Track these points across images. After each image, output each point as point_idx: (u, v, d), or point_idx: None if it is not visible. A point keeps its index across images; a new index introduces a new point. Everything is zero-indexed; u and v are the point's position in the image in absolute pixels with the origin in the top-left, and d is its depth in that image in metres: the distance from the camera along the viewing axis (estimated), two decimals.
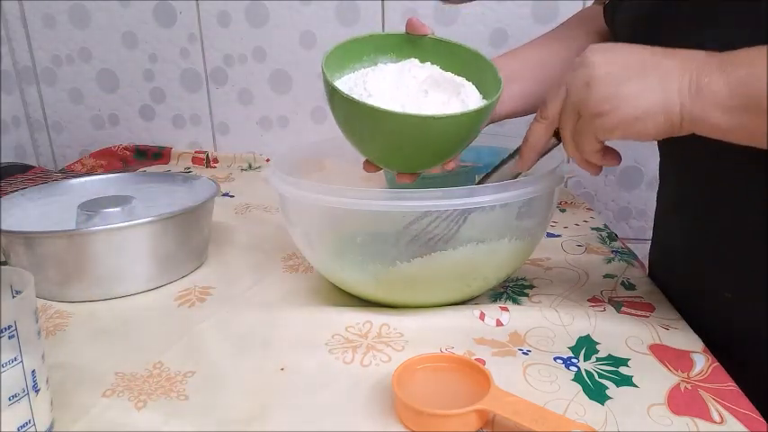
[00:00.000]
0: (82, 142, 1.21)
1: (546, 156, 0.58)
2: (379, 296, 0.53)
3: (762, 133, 0.36)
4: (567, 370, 0.43)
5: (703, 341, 0.47)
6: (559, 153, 0.56)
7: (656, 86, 0.38)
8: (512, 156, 0.50)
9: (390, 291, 0.52)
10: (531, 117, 0.48)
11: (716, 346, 0.46)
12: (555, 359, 0.45)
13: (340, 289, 0.57)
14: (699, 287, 0.53)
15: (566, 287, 0.57)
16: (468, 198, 0.46)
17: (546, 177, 0.50)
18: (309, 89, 1.11)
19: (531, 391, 0.41)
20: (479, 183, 0.52)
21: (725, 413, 0.38)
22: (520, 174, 0.50)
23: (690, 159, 0.53)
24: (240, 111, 1.14)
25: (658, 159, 0.59)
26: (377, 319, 0.51)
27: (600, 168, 0.45)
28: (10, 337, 0.33)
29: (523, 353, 0.46)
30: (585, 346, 0.47)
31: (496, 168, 0.51)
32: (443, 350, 0.46)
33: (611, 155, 0.44)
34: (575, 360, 0.45)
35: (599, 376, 0.42)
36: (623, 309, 0.52)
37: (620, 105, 0.39)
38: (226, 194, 0.93)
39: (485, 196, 0.46)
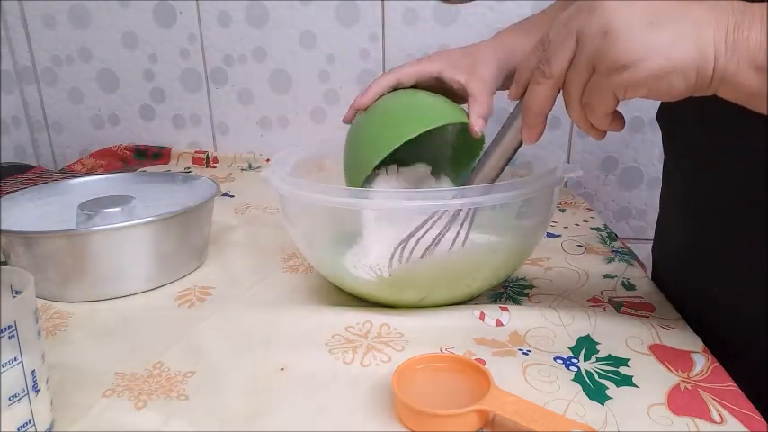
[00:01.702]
0: (82, 142, 1.21)
1: (546, 156, 0.58)
2: (379, 296, 0.53)
3: None
4: (566, 370, 0.43)
5: (703, 340, 0.47)
6: (559, 153, 0.56)
7: (689, 34, 0.32)
8: (507, 127, 0.45)
9: (390, 291, 0.52)
10: None
11: (716, 345, 0.46)
12: (555, 359, 0.45)
13: (340, 289, 0.57)
14: (698, 286, 0.53)
15: (566, 287, 0.57)
16: (469, 198, 0.46)
17: (546, 177, 0.50)
18: (309, 89, 1.11)
19: (531, 391, 0.41)
20: (480, 161, 0.48)
21: (725, 413, 0.38)
22: (521, 144, 0.45)
23: (692, 157, 0.53)
24: (240, 111, 1.14)
25: (657, 159, 0.59)
26: (377, 319, 0.51)
27: (604, 134, 0.40)
28: (10, 337, 0.33)
29: (523, 353, 0.46)
30: (585, 346, 0.47)
31: (495, 145, 0.46)
32: (443, 350, 0.46)
33: (618, 119, 0.38)
34: (575, 360, 0.44)
35: (599, 376, 0.42)
36: (623, 309, 0.52)
37: (650, 56, 0.33)
38: (226, 194, 0.93)
39: (485, 196, 0.46)
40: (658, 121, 0.59)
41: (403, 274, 0.50)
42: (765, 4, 0.33)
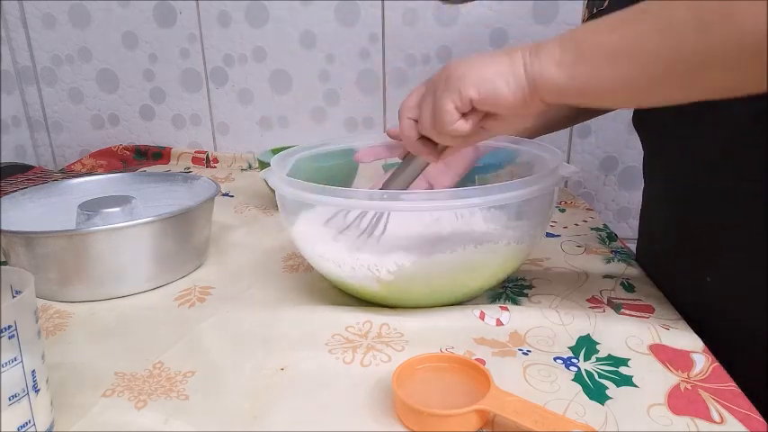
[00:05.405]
0: (82, 142, 1.21)
1: (546, 156, 0.58)
2: (378, 297, 0.53)
3: (606, 86, 0.38)
4: (566, 370, 0.43)
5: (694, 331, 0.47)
6: (559, 153, 0.56)
7: (503, 58, 0.42)
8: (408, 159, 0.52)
9: (389, 291, 0.52)
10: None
11: (709, 337, 0.47)
12: (555, 359, 0.45)
13: (340, 289, 0.57)
14: (687, 277, 0.54)
15: (565, 287, 0.57)
16: (468, 199, 0.45)
17: (545, 177, 0.50)
18: (309, 89, 1.11)
19: (531, 391, 0.41)
20: (386, 183, 0.54)
21: (725, 413, 0.38)
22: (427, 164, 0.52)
23: (672, 149, 0.54)
24: (240, 111, 1.14)
25: None
26: (377, 319, 0.51)
27: (438, 155, 0.48)
28: (10, 337, 0.33)
29: (523, 353, 0.46)
30: (585, 345, 0.47)
31: (402, 169, 0.53)
32: (443, 350, 0.46)
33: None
34: (575, 360, 0.45)
35: (599, 376, 0.42)
36: (623, 309, 0.52)
37: (473, 70, 0.42)
38: (226, 194, 0.93)
39: (483, 197, 0.46)
40: (635, 126, 0.60)
41: (402, 275, 0.50)
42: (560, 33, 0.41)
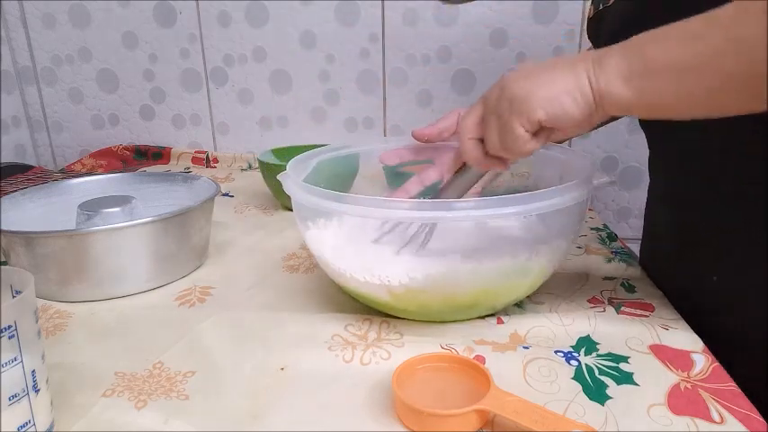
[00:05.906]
0: (82, 142, 1.21)
1: (557, 156, 0.58)
2: (387, 308, 0.51)
3: (674, 101, 0.38)
4: (567, 365, 0.43)
5: (696, 332, 0.47)
6: (586, 155, 0.55)
7: (565, 72, 0.41)
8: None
9: (402, 303, 0.50)
10: None
11: (709, 335, 0.47)
12: (555, 352, 0.45)
13: (340, 289, 0.57)
14: (682, 277, 0.54)
15: (566, 287, 0.57)
16: (481, 210, 0.44)
17: (580, 187, 0.47)
18: (309, 89, 1.11)
19: (530, 390, 0.41)
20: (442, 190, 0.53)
21: (725, 413, 0.38)
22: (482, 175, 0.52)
23: (671, 155, 0.54)
24: (240, 111, 1.14)
25: None
26: (377, 318, 0.51)
27: (507, 164, 0.47)
28: (10, 337, 0.33)
29: (524, 347, 0.46)
30: (585, 346, 0.47)
31: (458, 178, 0.52)
32: (443, 346, 0.46)
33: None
34: (575, 354, 0.45)
35: (599, 372, 0.42)
36: (623, 309, 0.52)
37: (536, 90, 0.41)
38: (226, 194, 0.93)
39: (502, 209, 0.43)
40: (641, 125, 0.61)
41: (416, 288, 0.48)
42: (620, 43, 0.40)
